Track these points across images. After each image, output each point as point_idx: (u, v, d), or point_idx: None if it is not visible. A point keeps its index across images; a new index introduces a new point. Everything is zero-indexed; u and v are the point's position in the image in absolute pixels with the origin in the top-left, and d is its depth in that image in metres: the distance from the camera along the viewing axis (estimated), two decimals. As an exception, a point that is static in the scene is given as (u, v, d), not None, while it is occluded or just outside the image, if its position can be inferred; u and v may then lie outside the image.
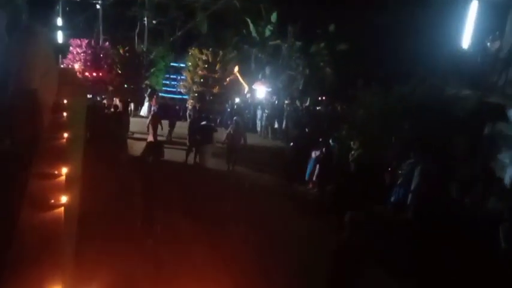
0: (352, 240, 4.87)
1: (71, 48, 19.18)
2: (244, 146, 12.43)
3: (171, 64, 26.49)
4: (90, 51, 19.26)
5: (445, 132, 10.51)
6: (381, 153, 11.16)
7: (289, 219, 8.94)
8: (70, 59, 19.12)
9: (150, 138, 13.19)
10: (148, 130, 13.71)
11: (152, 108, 17.68)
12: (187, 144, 12.59)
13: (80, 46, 19.21)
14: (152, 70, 23.64)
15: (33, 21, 3.18)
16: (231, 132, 12.33)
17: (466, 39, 12.95)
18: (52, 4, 3.47)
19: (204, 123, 12.13)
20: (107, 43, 20.87)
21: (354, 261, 4.76)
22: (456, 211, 7.70)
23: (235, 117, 12.97)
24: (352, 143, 11.38)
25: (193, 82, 21.52)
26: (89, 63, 19.17)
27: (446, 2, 14.85)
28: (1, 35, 3.34)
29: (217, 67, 21.16)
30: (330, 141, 11.86)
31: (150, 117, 14.75)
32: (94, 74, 19.07)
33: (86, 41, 19.44)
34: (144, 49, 23.16)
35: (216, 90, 21.19)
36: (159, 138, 13.84)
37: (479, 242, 6.66)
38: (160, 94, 22.08)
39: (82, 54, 19.15)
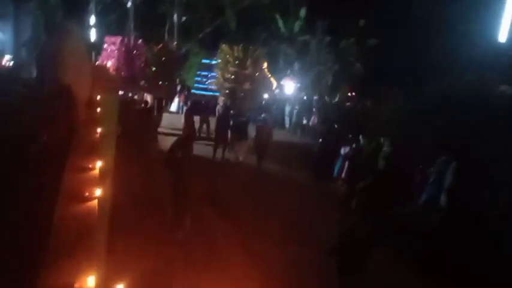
0: (360, 226, 5.14)
1: (105, 45, 19.62)
2: (271, 142, 12.45)
3: (203, 61, 26.70)
4: (123, 49, 19.58)
5: (481, 129, 10.16)
6: (413, 150, 10.90)
7: (317, 216, 8.89)
8: (104, 56, 19.53)
9: (184, 133, 13.40)
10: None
11: (183, 105, 17.83)
12: (214, 139, 12.74)
13: (114, 43, 19.58)
14: (184, 67, 23.87)
15: (67, 20, 3.30)
16: (260, 128, 12.38)
17: (504, 33, 12.50)
18: (85, 4, 3.59)
19: (239, 119, 12.30)
20: (140, 40, 21.21)
21: (361, 246, 4.96)
22: (487, 211, 7.50)
23: (263, 114, 12.98)
24: (382, 139, 11.15)
25: (225, 79, 21.59)
26: (122, 60, 19.50)
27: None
28: (39, 34, 3.49)
29: (248, 63, 21.12)
30: (360, 137, 11.69)
31: (184, 113, 14.96)
32: (127, 71, 19.41)
33: (120, 39, 19.78)
34: (175, 46, 23.45)
35: (247, 86, 21.18)
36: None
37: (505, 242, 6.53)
38: (192, 91, 22.32)
39: (116, 51, 19.50)
